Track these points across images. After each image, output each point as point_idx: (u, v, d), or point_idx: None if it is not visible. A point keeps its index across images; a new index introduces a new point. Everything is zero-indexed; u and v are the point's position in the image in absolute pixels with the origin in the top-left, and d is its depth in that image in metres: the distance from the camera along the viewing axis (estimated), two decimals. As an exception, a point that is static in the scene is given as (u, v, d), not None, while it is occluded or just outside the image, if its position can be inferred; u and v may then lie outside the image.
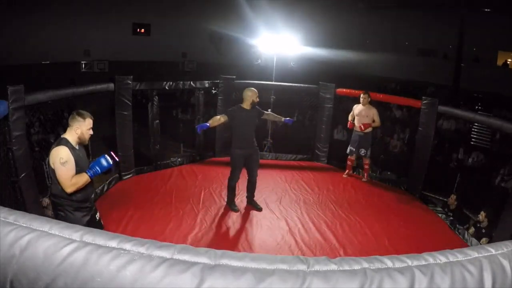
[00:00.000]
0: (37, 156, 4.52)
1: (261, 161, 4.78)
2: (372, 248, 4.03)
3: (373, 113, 5.67)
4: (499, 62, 14.54)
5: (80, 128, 2.66)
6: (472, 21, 12.48)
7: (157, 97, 5.73)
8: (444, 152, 8.00)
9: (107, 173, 2.93)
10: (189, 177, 5.66)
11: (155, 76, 8.12)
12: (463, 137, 8.63)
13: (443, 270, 0.79)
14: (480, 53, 14.21)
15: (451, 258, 0.83)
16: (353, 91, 6.36)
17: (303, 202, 5.05)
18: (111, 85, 5.06)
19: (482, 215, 4.52)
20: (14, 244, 0.79)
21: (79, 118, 2.66)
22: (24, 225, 0.84)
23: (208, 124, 4.27)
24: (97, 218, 2.96)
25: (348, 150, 6.03)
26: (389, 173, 6.98)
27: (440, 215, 5.09)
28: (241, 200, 4.84)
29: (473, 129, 8.76)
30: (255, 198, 4.77)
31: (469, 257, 0.83)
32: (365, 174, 5.97)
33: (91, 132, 2.74)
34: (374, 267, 0.79)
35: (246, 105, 4.33)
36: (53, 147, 2.60)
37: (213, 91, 6.37)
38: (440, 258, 0.83)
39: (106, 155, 2.71)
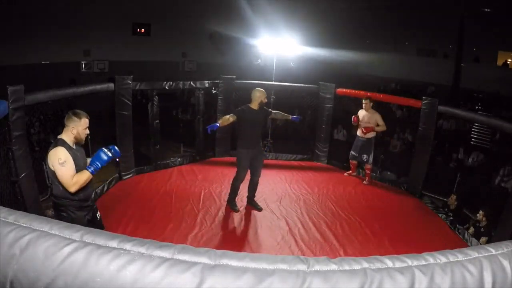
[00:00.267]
0: (37, 156, 4.51)
1: (261, 161, 4.78)
2: (372, 248, 4.03)
3: (376, 118, 5.63)
4: (499, 62, 14.54)
5: (76, 128, 2.65)
6: (472, 21, 12.48)
7: (157, 97, 5.74)
8: (444, 152, 8.00)
9: (115, 160, 2.91)
10: (189, 177, 5.65)
11: (155, 76, 8.11)
12: (463, 137, 8.63)
13: (443, 270, 0.79)
14: (480, 53, 14.22)
15: (451, 258, 0.83)
16: (353, 91, 6.36)
17: (303, 202, 5.05)
18: (111, 85, 5.07)
19: (481, 215, 4.53)
20: (14, 244, 0.79)
21: (75, 118, 2.66)
22: (24, 225, 0.84)
23: (218, 124, 4.25)
24: (98, 217, 2.97)
25: (350, 155, 6.03)
26: (389, 173, 6.98)
27: (440, 215, 5.09)
28: (241, 199, 4.84)
29: (473, 129, 8.77)
30: (255, 198, 4.77)
31: (469, 257, 0.83)
32: (367, 178, 5.96)
33: (87, 131, 2.74)
34: (374, 267, 0.79)
35: (254, 105, 4.32)
36: (51, 149, 2.60)
37: (213, 91, 6.37)
38: (440, 258, 0.83)
39: (104, 149, 2.69)
